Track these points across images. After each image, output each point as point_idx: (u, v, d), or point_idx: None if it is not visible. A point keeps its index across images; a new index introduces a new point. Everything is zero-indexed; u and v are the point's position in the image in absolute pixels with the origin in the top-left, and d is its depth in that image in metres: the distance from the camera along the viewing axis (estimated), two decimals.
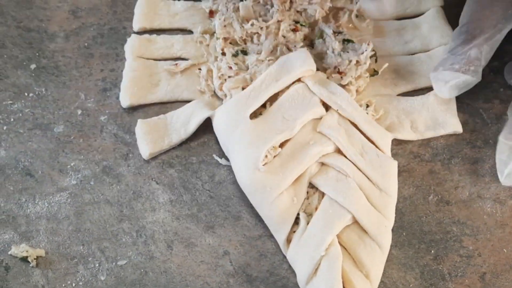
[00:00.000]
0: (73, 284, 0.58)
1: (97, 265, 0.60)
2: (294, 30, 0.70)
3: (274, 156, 0.62)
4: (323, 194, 0.61)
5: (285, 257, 0.60)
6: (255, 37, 0.71)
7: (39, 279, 0.59)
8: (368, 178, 0.61)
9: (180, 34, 0.74)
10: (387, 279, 0.59)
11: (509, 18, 0.64)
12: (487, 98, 0.70)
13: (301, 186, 0.61)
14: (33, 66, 0.72)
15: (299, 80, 0.66)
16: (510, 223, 0.62)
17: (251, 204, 0.63)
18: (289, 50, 0.69)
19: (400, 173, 0.65)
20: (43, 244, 0.61)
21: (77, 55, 0.73)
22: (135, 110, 0.69)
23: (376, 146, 0.64)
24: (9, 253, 0.60)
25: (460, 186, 0.65)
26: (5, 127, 0.67)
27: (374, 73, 0.70)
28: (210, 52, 0.72)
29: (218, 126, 0.66)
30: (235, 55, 0.70)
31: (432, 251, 0.61)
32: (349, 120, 0.64)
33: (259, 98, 0.64)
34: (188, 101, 0.69)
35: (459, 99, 0.69)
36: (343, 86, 0.67)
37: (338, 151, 0.63)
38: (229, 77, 0.68)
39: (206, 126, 0.68)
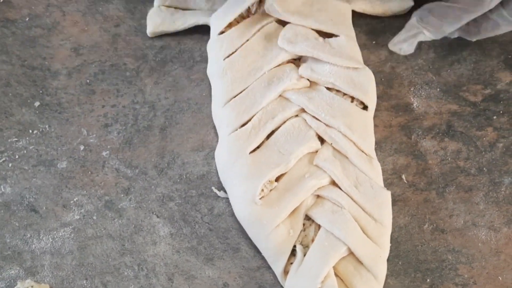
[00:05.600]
0: None
1: None
2: None
3: (271, 190, 0.63)
4: (319, 226, 0.62)
5: None
6: None
7: None
8: (363, 209, 0.62)
9: None
10: None
11: None
12: (480, 126, 0.71)
13: (297, 219, 0.62)
14: (37, 104, 0.74)
15: (296, 115, 0.68)
16: (505, 251, 0.63)
17: (249, 236, 0.64)
18: None
19: (395, 202, 0.66)
20: (47, 279, 0.63)
21: (79, 92, 0.75)
22: (136, 145, 0.71)
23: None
24: None
25: (455, 214, 0.66)
26: (10, 164, 0.69)
27: None
28: None
29: (218, 160, 0.68)
30: None
31: (428, 280, 0.62)
32: None
33: (258, 136, 0.66)
34: None
35: (453, 128, 0.71)
36: None
37: (333, 183, 0.64)
38: None
39: (205, 159, 0.70)
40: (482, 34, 0.73)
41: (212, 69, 0.73)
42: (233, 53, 0.72)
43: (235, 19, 0.74)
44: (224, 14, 0.74)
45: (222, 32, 0.74)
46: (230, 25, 0.74)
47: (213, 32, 0.75)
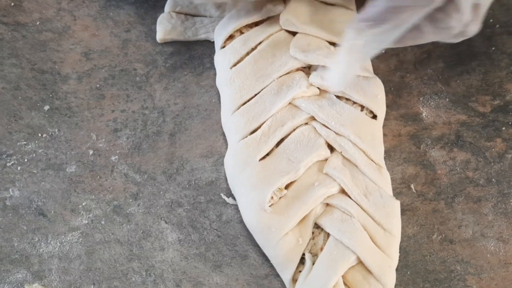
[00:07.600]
0: None
1: None
2: None
3: (280, 198, 0.63)
4: (328, 235, 0.62)
5: None
6: None
7: None
8: (372, 218, 0.62)
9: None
10: None
11: None
12: (489, 137, 0.71)
13: (307, 227, 0.62)
14: (46, 107, 0.74)
15: (306, 123, 0.68)
16: None
17: (257, 243, 0.64)
18: None
19: (404, 212, 0.66)
20: (55, 284, 0.63)
21: (89, 96, 0.75)
22: (145, 151, 0.71)
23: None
24: None
25: (463, 224, 0.66)
26: (19, 168, 0.69)
27: None
28: None
29: (227, 167, 0.68)
30: None
31: None
32: None
33: (268, 143, 0.66)
34: None
35: (462, 138, 0.71)
36: None
37: (343, 191, 0.64)
38: None
39: (214, 165, 0.70)
40: (403, 42, 0.62)
41: (220, 79, 0.73)
42: (239, 61, 0.73)
43: (239, 29, 0.74)
44: (223, 29, 0.75)
45: (223, 46, 0.75)
46: (232, 37, 0.75)
47: (216, 46, 0.76)
